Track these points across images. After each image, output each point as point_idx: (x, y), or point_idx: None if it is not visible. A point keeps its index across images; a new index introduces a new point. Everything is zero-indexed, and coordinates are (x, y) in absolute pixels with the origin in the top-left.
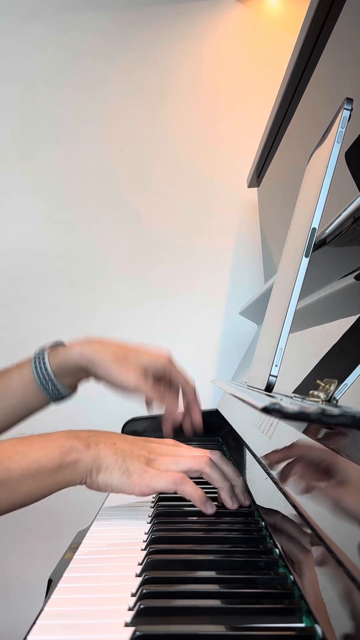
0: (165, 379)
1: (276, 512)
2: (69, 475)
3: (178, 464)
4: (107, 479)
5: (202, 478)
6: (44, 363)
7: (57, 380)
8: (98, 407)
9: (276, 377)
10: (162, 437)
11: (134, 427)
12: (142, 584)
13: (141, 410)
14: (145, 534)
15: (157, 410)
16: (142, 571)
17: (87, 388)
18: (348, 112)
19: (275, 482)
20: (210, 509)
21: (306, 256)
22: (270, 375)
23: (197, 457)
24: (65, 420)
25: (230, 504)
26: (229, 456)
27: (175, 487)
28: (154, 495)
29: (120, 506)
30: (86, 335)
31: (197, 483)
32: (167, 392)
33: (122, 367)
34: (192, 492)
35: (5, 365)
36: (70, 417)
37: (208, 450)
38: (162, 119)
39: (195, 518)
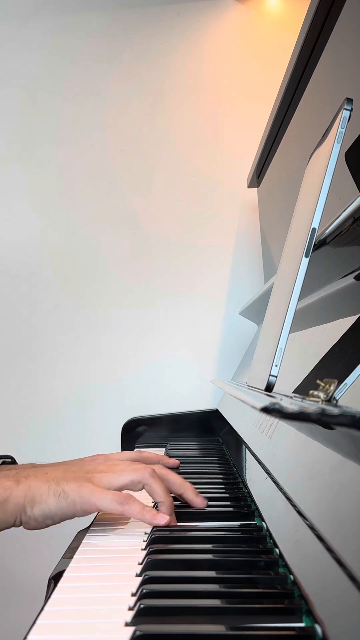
0: None
1: (276, 512)
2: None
3: (119, 478)
4: (43, 509)
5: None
6: None
7: None
8: (98, 408)
9: (276, 377)
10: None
11: (134, 428)
12: (142, 583)
13: (141, 411)
14: (146, 533)
15: None
16: (142, 571)
17: (87, 389)
18: (348, 112)
19: (275, 482)
20: (162, 521)
21: (306, 256)
22: (270, 375)
23: (138, 469)
24: (66, 420)
25: (174, 521)
26: (229, 456)
27: (120, 507)
28: None
29: None
30: (32, 463)
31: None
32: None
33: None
34: (139, 512)
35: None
36: (71, 417)
37: (150, 465)
38: (162, 119)
39: (195, 517)
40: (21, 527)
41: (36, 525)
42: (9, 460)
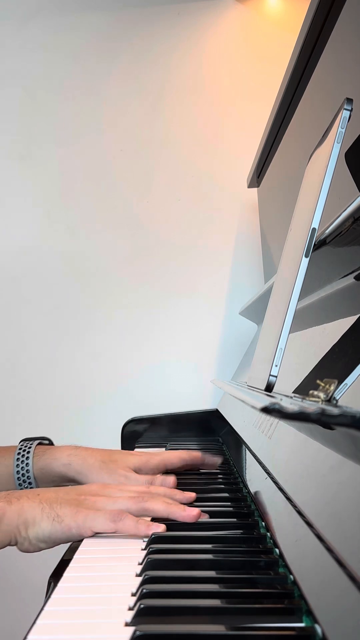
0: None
1: (276, 512)
2: None
3: (114, 505)
4: (37, 532)
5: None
6: (27, 464)
7: (37, 484)
8: (98, 408)
9: (276, 377)
10: (161, 437)
11: (134, 428)
12: (142, 583)
13: (140, 411)
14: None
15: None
16: (142, 571)
17: (87, 389)
18: (348, 112)
19: (275, 482)
20: (158, 529)
21: (306, 256)
22: (270, 375)
23: (132, 498)
24: (66, 420)
25: (193, 514)
26: (229, 456)
27: (114, 525)
28: None
29: None
30: (74, 444)
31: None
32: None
33: (111, 472)
34: (133, 527)
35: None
36: (71, 417)
37: (141, 479)
38: (162, 119)
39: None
40: (15, 546)
41: (29, 548)
42: (47, 442)
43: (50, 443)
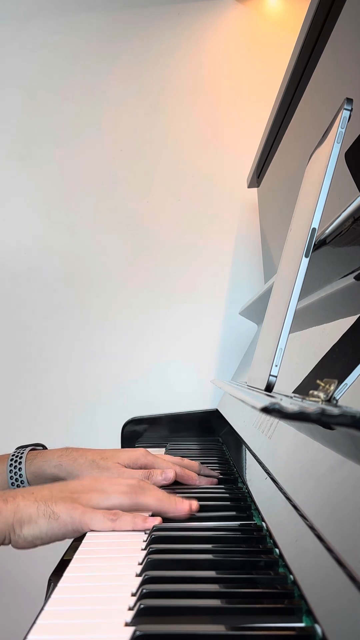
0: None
1: (276, 511)
2: None
3: (107, 499)
4: (34, 530)
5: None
6: (20, 469)
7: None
8: (98, 408)
9: (276, 377)
10: (161, 437)
11: (134, 428)
12: (142, 583)
13: (140, 411)
14: (145, 533)
15: None
16: (142, 571)
17: (86, 389)
18: (348, 112)
19: (275, 482)
20: (155, 521)
21: (306, 256)
22: (270, 375)
23: (125, 492)
24: (66, 420)
25: (185, 508)
26: (229, 456)
27: (112, 524)
28: None
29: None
30: (66, 446)
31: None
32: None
33: (102, 470)
34: (130, 523)
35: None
36: (71, 417)
37: (136, 474)
38: (162, 119)
39: (195, 517)
40: (9, 545)
41: (25, 545)
42: (40, 447)
43: (44, 448)
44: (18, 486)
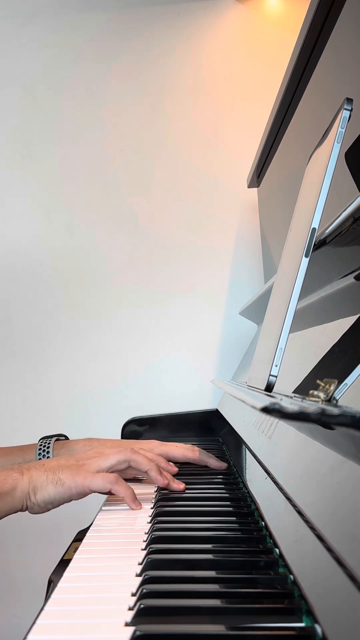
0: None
1: (276, 512)
2: (9, 502)
3: (107, 460)
4: (44, 495)
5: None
6: (48, 456)
7: None
8: (98, 409)
9: (276, 377)
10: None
11: (134, 428)
12: (142, 583)
13: (141, 411)
14: (145, 533)
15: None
16: (142, 571)
17: (86, 389)
18: (348, 112)
19: (275, 482)
20: (137, 506)
21: (306, 256)
22: (270, 375)
23: (121, 450)
24: (66, 420)
25: (161, 480)
26: (229, 456)
27: (110, 486)
28: (154, 496)
29: (121, 507)
30: (88, 437)
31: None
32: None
33: None
34: (124, 490)
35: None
36: (71, 417)
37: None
38: (162, 119)
39: (195, 518)
40: (26, 512)
41: (39, 510)
42: (63, 437)
43: (66, 438)
44: None
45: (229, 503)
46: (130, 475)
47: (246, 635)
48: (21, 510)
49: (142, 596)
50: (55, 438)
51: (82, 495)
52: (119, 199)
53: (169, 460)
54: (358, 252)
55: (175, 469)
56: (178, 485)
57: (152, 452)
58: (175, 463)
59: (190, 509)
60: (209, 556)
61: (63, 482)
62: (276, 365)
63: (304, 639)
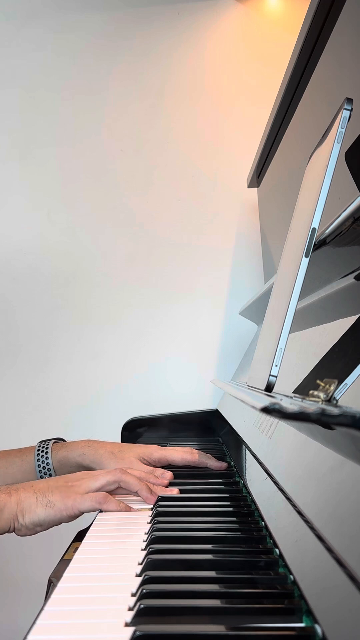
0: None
1: (276, 512)
2: None
3: (96, 481)
4: (33, 518)
5: None
6: (47, 457)
7: (56, 474)
8: (98, 408)
9: (276, 377)
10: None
11: (134, 428)
12: (142, 583)
13: (141, 411)
14: (145, 533)
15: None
16: (142, 571)
17: (86, 389)
18: (348, 112)
19: (275, 482)
20: (135, 505)
21: (306, 256)
22: (270, 375)
23: (110, 471)
24: (66, 420)
25: (153, 499)
26: (229, 456)
27: (99, 506)
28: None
29: None
30: (87, 439)
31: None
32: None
33: (119, 460)
34: (115, 507)
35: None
36: (71, 417)
37: (145, 469)
38: (162, 119)
39: (195, 518)
40: (13, 533)
41: (26, 532)
42: (61, 441)
43: (64, 442)
44: (45, 474)
45: (228, 503)
46: (121, 495)
47: (246, 635)
48: (8, 532)
49: (142, 596)
50: (53, 440)
51: (72, 517)
52: (119, 199)
53: (168, 465)
54: (358, 252)
55: (169, 477)
56: (170, 492)
57: (151, 456)
58: (175, 466)
59: (190, 509)
60: (209, 556)
61: (53, 505)
62: (276, 365)
63: (304, 639)
